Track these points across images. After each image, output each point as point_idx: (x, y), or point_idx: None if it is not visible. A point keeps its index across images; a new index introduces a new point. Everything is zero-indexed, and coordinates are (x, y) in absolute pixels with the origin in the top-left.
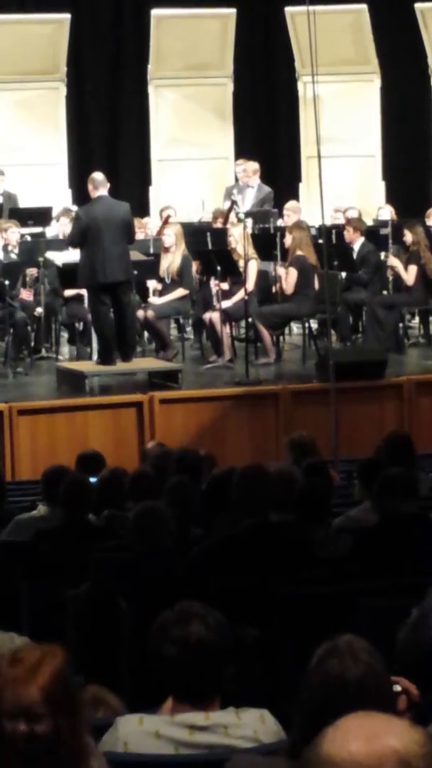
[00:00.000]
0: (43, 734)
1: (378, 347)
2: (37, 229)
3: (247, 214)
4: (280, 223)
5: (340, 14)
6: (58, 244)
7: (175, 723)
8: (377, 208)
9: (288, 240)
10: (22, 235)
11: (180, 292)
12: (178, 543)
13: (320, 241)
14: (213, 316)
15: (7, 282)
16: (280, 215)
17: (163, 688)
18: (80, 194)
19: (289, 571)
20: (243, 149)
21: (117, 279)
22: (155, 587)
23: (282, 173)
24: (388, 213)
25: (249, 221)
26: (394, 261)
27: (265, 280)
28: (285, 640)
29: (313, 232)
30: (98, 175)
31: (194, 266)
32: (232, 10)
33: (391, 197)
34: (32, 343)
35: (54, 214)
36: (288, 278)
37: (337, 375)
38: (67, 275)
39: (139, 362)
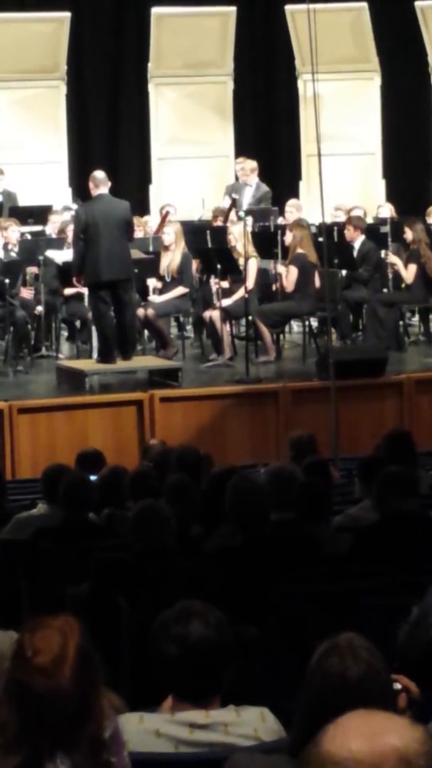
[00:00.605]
0: (71, 707)
1: (378, 345)
2: (37, 228)
3: (247, 212)
4: (281, 220)
5: (341, 12)
6: (58, 243)
7: (175, 721)
8: (377, 206)
9: (288, 238)
10: (22, 234)
11: (180, 290)
12: (178, 541)
13: (320, 239)
14: (213, 315)
15: (7, 280)
16: (281, 213)
17: (163, 686)
18: (80, 192)
19: (295, 569)
20: (243, 147)
21: (117, 277)
22: (155, 586)
23: (282, 171)
24: (388, 211)
25: (249, 219)
26: (394, 258)
27: (265, 278)
28: (285, 639)
29: (314, 230)
30: (99, 174)
31: (194, 264)
32: (233, 9)
33: (391, 195)
34: (32, 342)
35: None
36: (288, 276)
37: (338, 373)
38: (67, 274)
39: (140, 360)
